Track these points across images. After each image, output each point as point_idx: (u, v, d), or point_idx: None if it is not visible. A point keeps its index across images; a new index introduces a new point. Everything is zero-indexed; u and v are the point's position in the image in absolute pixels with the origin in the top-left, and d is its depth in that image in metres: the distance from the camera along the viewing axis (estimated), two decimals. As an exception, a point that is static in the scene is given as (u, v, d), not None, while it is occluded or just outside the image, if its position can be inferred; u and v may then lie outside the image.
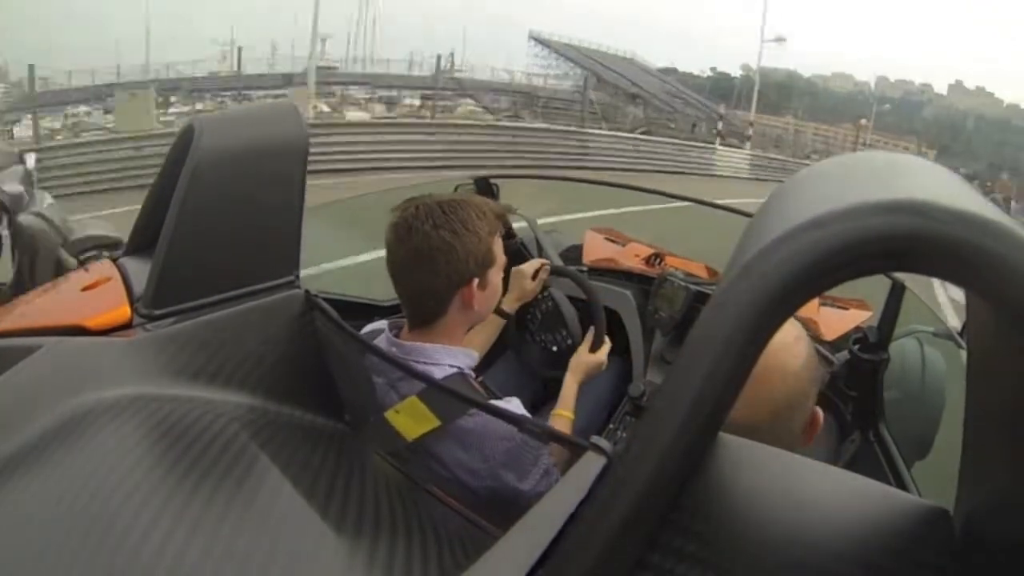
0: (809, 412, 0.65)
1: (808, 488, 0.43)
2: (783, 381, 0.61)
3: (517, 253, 1.58)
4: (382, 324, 0.97)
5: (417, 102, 14.65)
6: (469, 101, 16.06)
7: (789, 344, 0.63)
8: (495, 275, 0.91)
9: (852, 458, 1.13)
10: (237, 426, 0.68)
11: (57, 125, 10.42)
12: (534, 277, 1.31)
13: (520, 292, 1.29)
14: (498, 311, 1.21)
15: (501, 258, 0.92)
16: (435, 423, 0.78)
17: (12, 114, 9.74)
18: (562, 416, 1.04)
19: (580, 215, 4.23)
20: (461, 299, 0.87)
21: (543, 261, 1.35)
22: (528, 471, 0.81)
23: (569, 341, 1.41)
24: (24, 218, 2.33)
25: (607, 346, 1.16)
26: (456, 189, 1.67)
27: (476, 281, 0.87)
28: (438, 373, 0.84)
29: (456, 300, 0.87)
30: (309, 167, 0.90)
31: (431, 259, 0.84)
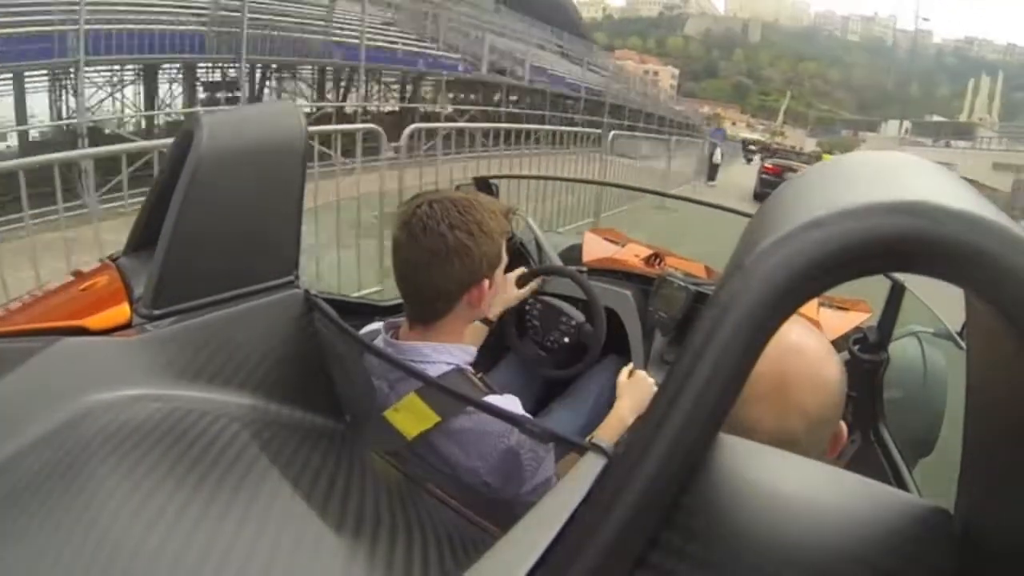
0: (837, 426, 0.63)
1: (809, 488, 0.43)
2: (817, 392, 0.59)
3: (516, 253, 1.58)
4: (379, 325, 0.97)
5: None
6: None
7: (824, 356, 0.60)
8: (501, 275, 0.91)
9: (852, 458, 1.13)
10: (237, 426, 0.68)
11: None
12: (519, 284, 1.32)
13: (504, 299, 1.30)
14: (482, 319, 1.21)
15: (505, 258, 0.92)
16: (435, 419, 0.78)
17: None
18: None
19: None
20: (468, 299, 0.87)
21: (523, 269, 1.40)
22: (527, 473, 0.81)
23: (566, 339, 1.41)
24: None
25: (642, 373, 1.16)
26: (457, 189, 1.67)
27: (487, 282, 0.87)
28: (435, 371, 0.84)
29: (464, 300, 0.87)
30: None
31: (447, 260, 0.83)
